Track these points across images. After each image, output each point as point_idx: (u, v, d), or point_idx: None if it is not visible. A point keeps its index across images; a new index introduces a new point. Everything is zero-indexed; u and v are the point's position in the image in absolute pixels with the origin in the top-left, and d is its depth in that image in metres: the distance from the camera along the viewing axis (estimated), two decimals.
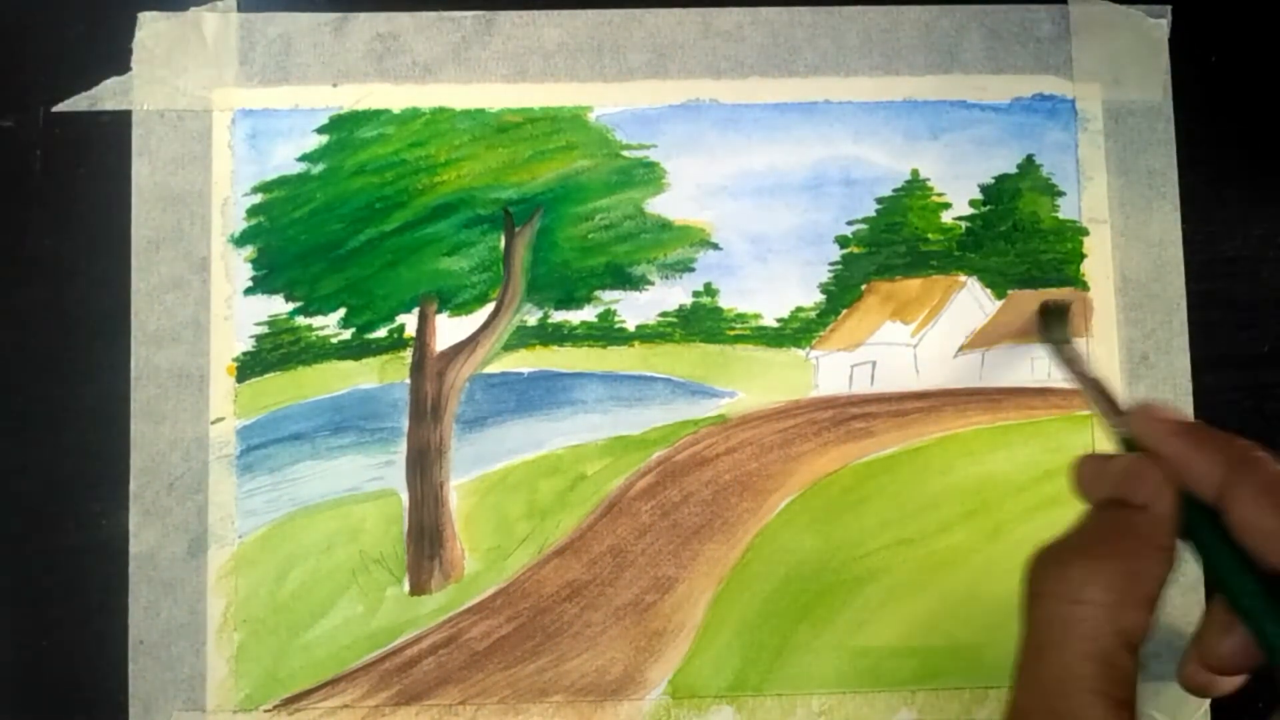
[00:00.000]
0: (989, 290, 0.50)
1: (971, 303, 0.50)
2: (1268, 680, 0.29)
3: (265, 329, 0.49)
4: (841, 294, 0.50)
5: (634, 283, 0.50)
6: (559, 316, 0.49)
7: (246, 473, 0.48)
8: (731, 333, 0.49)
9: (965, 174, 0.50)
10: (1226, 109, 0.51)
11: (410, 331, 0.49)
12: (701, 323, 0.49)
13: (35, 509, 0.47)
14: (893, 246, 0.50)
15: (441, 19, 0.50)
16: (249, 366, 0.48)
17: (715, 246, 0.50)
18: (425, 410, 0.48)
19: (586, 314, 0.49)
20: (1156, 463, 0.31)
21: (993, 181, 0.50)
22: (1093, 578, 0.29)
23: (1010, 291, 0.50)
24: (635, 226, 0.50)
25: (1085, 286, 0.50)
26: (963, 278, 0.50)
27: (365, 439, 0.48)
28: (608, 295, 0.49)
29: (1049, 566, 0.30)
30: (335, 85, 0.50)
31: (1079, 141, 0.51)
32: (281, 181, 0.49)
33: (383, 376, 0.49)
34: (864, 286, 0.50)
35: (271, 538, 0.47)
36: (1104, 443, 0.48)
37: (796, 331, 0.49)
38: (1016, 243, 0.50)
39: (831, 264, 0.50)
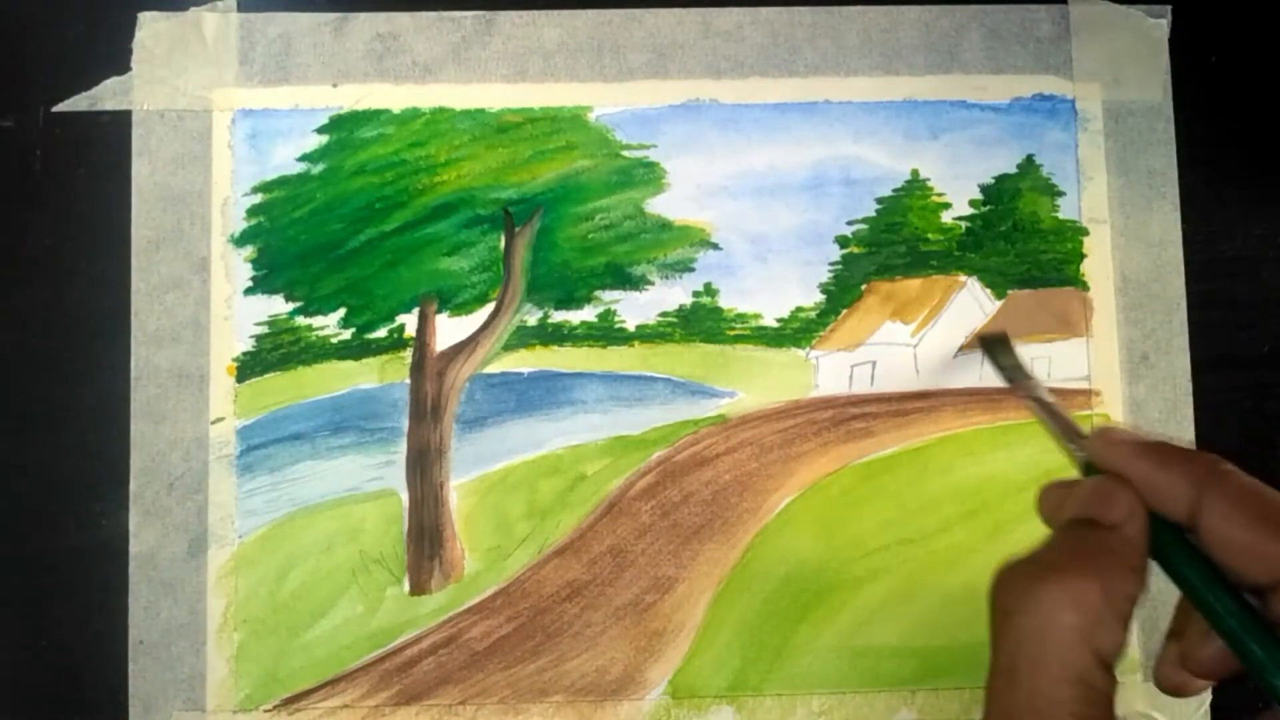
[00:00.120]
0: (989, 290, 0.50)
1: (971, 303, 0.50)
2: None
3: (265, 329, 0.48)
4: (841, 294, 0.50)
5: (634, 283, 0.50)
6: (559, 316, 0.49)
7: (246, 473, 0.48)
8: (731, 333, 0.49)
9: (965, 174, 0.50)
10: (1226, 109, 0.51)
11: (410, 331, 0.49)
12: (701, 323, 0.49)
13: (35, 509, 0.47)
14: (893, 246, 0.50)
15: (441, 19, 0.50)
16: (249, 366, 0.48)
17: (715, 246, 0.50)
18: (425, 410, 0.48)
19: (586, 314, 0.49)
20: (1125, 483, 0.30)
21: (993, 181, 0.50)
22: (1066, 596, 0.27)
23: (1010, 291, 0.50)
24: (635, 226, 0.50)
25: (1085, 286, 0.50)
26: (963, 278, 0.50)
27: (365, 439, 0.48)
28: (608, 295, 0.49)
29: (1019, 583, 0.29)
30: (335, 85, 0.50)
31: (1079, 141, 0.51)
32: (281, 181, 0.49)
33: (383, 376, 0.49)
34: (864, 286, 0.50)
35: (271, 538, 0.47)
36: None
37: (796, 331, 0.49)
38: (1016, 243, 0.50)
39: (831, 264, 0.50)
